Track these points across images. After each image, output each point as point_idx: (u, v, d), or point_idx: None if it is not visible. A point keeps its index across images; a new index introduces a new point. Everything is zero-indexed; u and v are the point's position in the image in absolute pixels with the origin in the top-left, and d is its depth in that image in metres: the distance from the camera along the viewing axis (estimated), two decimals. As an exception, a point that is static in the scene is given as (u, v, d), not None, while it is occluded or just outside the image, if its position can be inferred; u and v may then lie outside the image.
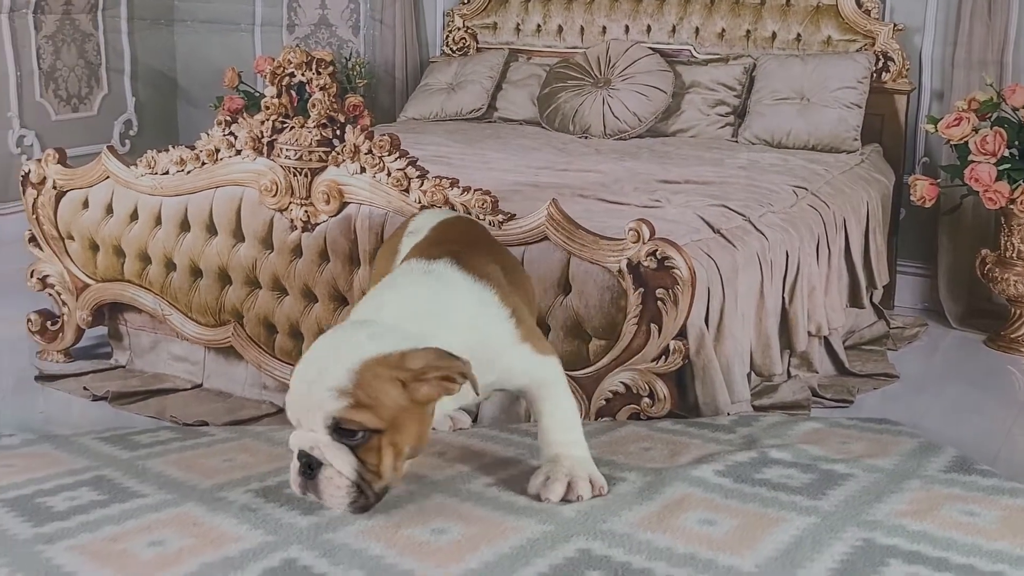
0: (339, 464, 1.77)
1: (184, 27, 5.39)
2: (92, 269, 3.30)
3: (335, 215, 2.87)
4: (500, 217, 2.65)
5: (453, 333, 1.87)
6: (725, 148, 3.95)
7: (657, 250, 2.48)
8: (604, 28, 4.58)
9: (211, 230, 3.08)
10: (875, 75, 4.07)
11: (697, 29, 4.43)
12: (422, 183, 2.75)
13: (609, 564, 1.70)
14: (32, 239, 3.39)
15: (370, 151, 2.80)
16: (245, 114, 3.04)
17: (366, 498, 1.80)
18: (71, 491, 2.07)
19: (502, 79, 4.62)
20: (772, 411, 2.78)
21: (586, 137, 4.19)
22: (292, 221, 2.92)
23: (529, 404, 2.06)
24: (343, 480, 1.78)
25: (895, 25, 4.13)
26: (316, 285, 2.91)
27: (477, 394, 1.85)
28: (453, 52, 4.89)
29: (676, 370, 2.50)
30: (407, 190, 2.77)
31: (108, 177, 3.24)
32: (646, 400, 2.50)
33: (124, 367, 3.33)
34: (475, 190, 2.69)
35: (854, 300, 3.56)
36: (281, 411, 2.28)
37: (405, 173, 2.78)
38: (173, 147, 3.15)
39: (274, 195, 2.93)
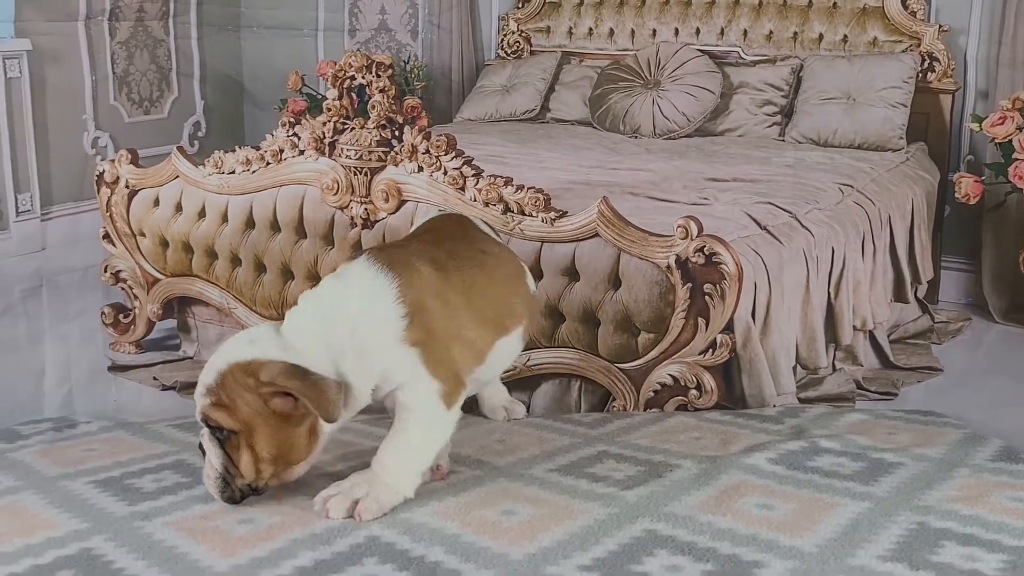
0: (210, 456, 1.86)
1: (250, 33, 5.42)
2: (162, 264, 3.34)
3: (393, 212, 2.89)
4: (552, 214, 2.66)
5: (333, 337, 1.85)
6: (772, 147, 3.92)
7: (705, 246, 2.48)
8: (654, 31, 4.56)
9: (275, 227, 3.10)
10: (920, 75, 4.03)
11: (745, 31, 4.40)
12: (477, 181, 2.76)
13: (675, 543, 1.73)
14: (106, 236, 3.44)
15: (427, 151, 2.82)
16: (308, 116, 3.07)
17: (232, 491, 1.86)
18: (155, 473, 2.11)
19: (555, 81, 4.62)
20: (817, 403, 2.77)
21: (636, 137, 4.18)
22: (352, 218, 2.94)
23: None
24: (212, 471, 1.86)
25: (940, 26, 4.08)
26: None
27: (329, 419, 1.81)
28: (507, 55, 4.89)
29: (723, 363, 2.50)
30: (463, 188, 2.78)
31: (177, 176, 3.28)
32: (693, 392, 2.50)
33: (192, 358, 3.37)
34: (528, 188, 2.70)
35: (899, 295, 3.52)
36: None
37: (461, 172, 2.79)
38: (239, 148, 3.18)
39: (335, 193, 2.95)
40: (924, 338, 3.62)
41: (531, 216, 2.68)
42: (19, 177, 4.33)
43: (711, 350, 2.48)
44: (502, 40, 4.93)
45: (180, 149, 3.33)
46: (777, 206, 3.02)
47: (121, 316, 3.44)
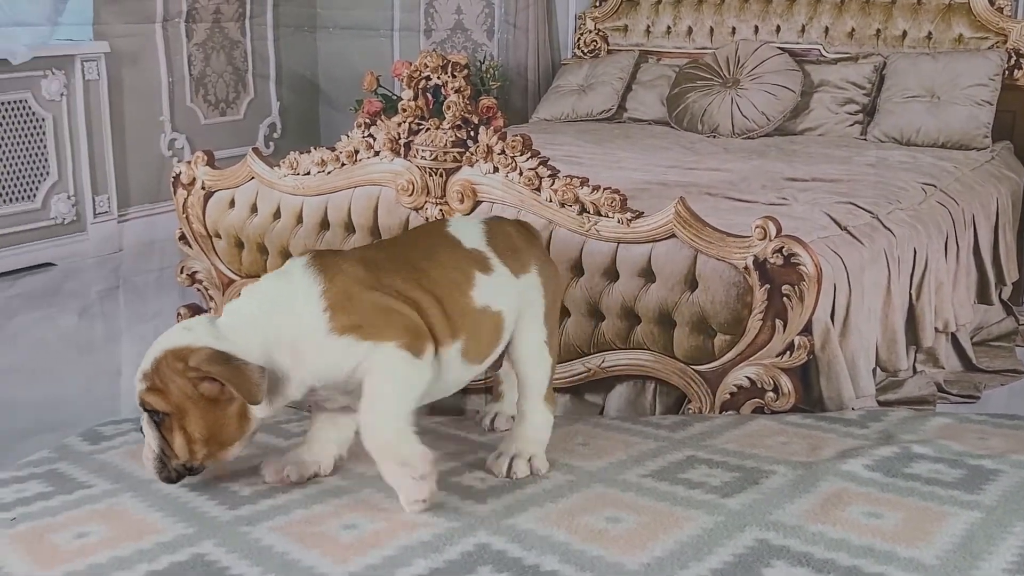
0: (148, 438, 2.01)
1: (326, 33, 5.50)
2: (237, 265, 3.41)
3: (468, 213, 2.92)
4: (628, 215, 2.68)
5: (267, 330, 1.98)
6: (853, 146, 3.92)
7: (784, 247, 2.49)
8: (733, 29, 4.58)
9: (349, 228, 3.15)
10: (1007, 72, 4.00)
11: (827, 28, 4.40)
12: (553, 182, 2.78)
13: (790, 554, 1.74)
14: (182, 237, 3.50)
15: (503, 151, 2.84)
16: (383, 116, 3.10)
17: (168, 471, 2.01)
18: (246, 476, 2.15)
19: (632, 80, 4.65)
20: (898, 406, 2.77)
21: (714, 136, 4.20)
22: (427, 219, 2.98)
23: None
24: (150, 452, 2.01)
25: (1028, 22, 4.05)
26: None
27: (252, 401, 1.94)
28: (584, 54, 4.93)
29: (801, 365, 2.51)
30: (538, 189, 2.80)
31: (253, 178, 3.33)
32: (770, 394, 2.52)
33: (267, 359, 3.44)
34: (604, 188, 2.72)
35: (983, 296, 3.51)
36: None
37: (536, 172, 2.81)
38: (314, 149, 3.22)
39: (410, 194, 3.00)
40: (1008, 340, 3.60)
41: (607, 217, 2.70)
42: (97, 179, 4.45)
43: (789, 352, 2.50)
44: (579, 39, 4.97)
45: (255, 150, 3.38)
46: (858, 206, 3.02)
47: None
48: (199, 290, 3.50)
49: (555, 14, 5.10)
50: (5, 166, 4.17)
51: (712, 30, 4.63)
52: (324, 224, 3.21)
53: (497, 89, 4.95)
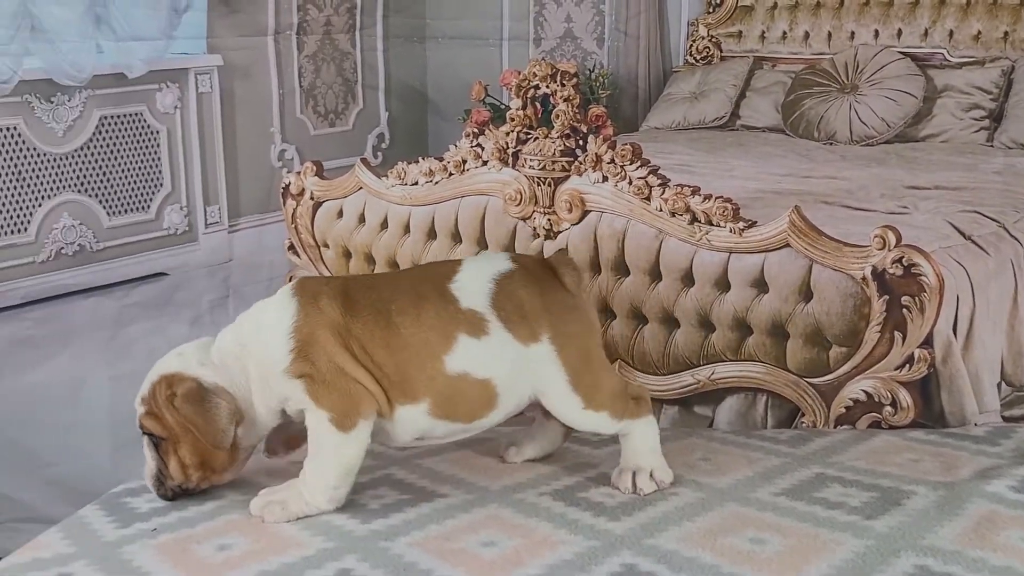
0: (148, 458, 2.08)
1: (435, 43, 5.55)
2: (345, 275, 3.46)
3: (577, 223, 2.92)
4: (741, 224, 2.65)
5: (245, 360, 2.06)
6: (979, 153, 3.84)
7: (903, 257, 2.45)
8: (852, 33, 4.52)
9: (456, 238, 3.18)
10: None
11: (951, 32, 4.32)
12: (663, 191, 2.77)
13: None
14: (291, 247, 3.57)
15: (612, 160, 2.84)
16: (491, 126, 3.12)
17: (165, 490, 2.09)
18: (373, 490, 2.17)
19: (746, 87, 4.62)
20: (1024, 423, 2.71)
21: (831, 143, 4.15)
22: (535, 229, 3.00)
23: None
24: (149, 472, 2.09)
25: None
26: None
27: (215, 446, 2.04)
28: (696, 61, 4.91)
29: (921, 379, 2.46)
30: (648, 198, 2.79)
31: (361, 188, 3.38)
32: (888, 409, 2.47)
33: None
34: (716, 197, 2.70)
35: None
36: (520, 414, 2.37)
37: (646, 182, 2.80)
38: (422, 159, 3.25)
39: (518, 204, 3.01)
40: None
41: (719, 226, 2.68)
42: (208, 190, 4.55)
43: (908, 365, 2.45)
44: (691, 46, 4.95)
45: (364, 161, 3.43)
46: (983, 215, 2.96)
47: (306, 327, 3.57)
48: (308, 301, 3.57)
49: (667, 21, 5.09)
50: (121, 178, 4.29)
51: (830, 35, 4.58)
52: (431, 234, 3.24)
53: (607, 98, 4.96)
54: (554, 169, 2.94)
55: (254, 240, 4.58)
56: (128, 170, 4.32)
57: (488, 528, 1.96)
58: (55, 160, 4.08)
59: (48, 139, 4.04)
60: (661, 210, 2.76)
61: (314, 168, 3.51)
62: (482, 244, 3.12)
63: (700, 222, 2.71)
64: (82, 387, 3.82)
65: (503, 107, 4.96)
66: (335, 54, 5.12)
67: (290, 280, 3.55)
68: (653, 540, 1.88)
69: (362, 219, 3.41)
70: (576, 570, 1.79)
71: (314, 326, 2.04)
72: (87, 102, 4.15)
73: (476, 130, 3.14)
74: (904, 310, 2.44)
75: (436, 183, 3.20)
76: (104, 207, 4.24)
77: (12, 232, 3.95)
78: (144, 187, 4.38)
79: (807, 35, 4.64)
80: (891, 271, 2.45)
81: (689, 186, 2.76)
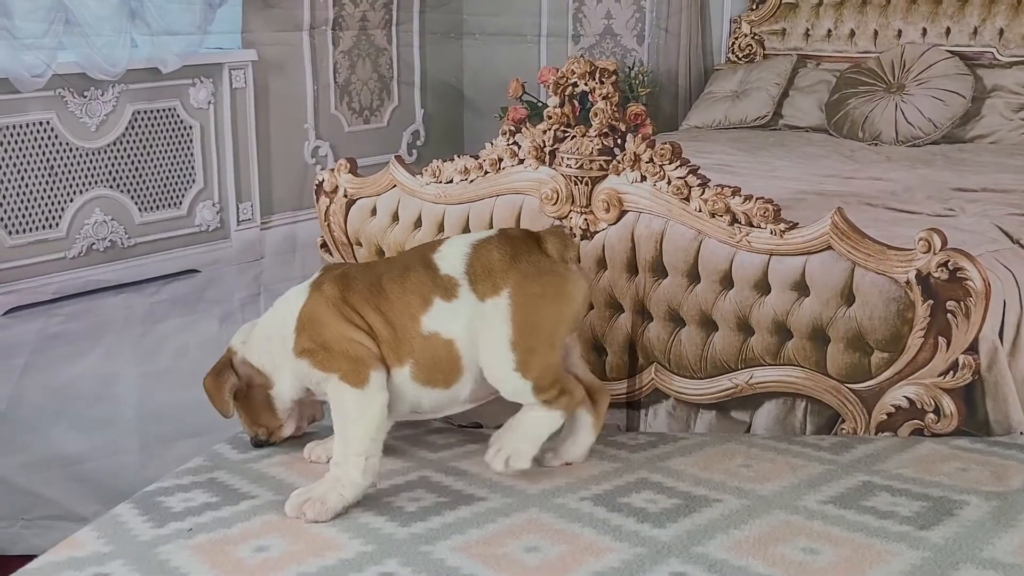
0: None
1: (472, 40, 5.55)
2: (379, 275, 3.48)
3: (614, 223, 2.93)
4: (782, 226, 2.65)
5: (264, 339, 2.40)
6: (1029, 154, 3.83)
7: (949, 260, 2.45)
8: (899, 31, 4.50)
9: (491, 238, 3.19)
10: None
11: (1001, 30, 4.29)
12: (703, 191, 2.77)
13: None
14: (323, 245, 3.56)
15: (651, 159, 2.84)
16: (528, 124, 3.12)
17: (255, 438, 2.51)
18: (409, 492, 2.21)
19: (789, 85, 4.61)
20: (1072, 432, 2.69)
21: (876, 144, 4.14)
22: (571, 229, 2.99)
23: None
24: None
25: None
26: (592, 293, 2.96)
27: (222, 415, 2.43)
28: (739, 59, 4.90)
29: (965, 385, 2.45)
30: (687, 199, 2.80)
31: (395, 186, 3.38)
32: (931, 416, 2.47)
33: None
34: (757, 198, 2.70)
35: None
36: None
37: (686, 182, 2.80)
38: (458, 157, 3.26)
39: (554, 203, 3.02)
40: None
41: (759, 228, 2.69)
42: (241, 186, 4.56)
43: (952, 371, 2.45)
44: (733, 43, 4.94)
45: (398, 158, 3.43)
46: (1033, 218, 2.95)
47: (338, 325, 3.59)
48: (341, 299, 3.58)
49: (709, 18, 5.08)
50: (153, 173, 4.30)
51: (876, 33, 4.56)
52: (466, 233, 3.24)
53: (646, 96, 4.95)
54: (591, 168, 2.95)
55: (286, 237, 4.59)
56: (160, 166, 4.33)
57: (530, 533, 1.97)
58: (87, 155, 4.09)
59: (81, 133, 4.05)
60: (700, 211, 2.76)
61: (348, 165, 3.52)
62: (517, 244, 3.13)
63: (740, 223, 2.71)
64: (112, 383, 3.85)
65: (540, 105, 4.96)
66: (371, 50, 5.12)
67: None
68: (701, 548, 1.88)
69: (396, 217, 3.41)
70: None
71: (314, 306, 2.30)
72: (120, 96, 4.16)
73: (513, 128, 3.15)
74: (949, 315, 2.44)
75: (471, 181, 3.20)
76: (136, 203, 4.25)
77: (44, 227, 3.96)
78: (176, 183, 4.39)
79: (853, 33, 4.62)
80: (936, 275, 2.45)
81: (729, 186, 2.76)
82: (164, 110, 4.36)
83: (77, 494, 3.70)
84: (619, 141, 2.92)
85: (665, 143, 2.86)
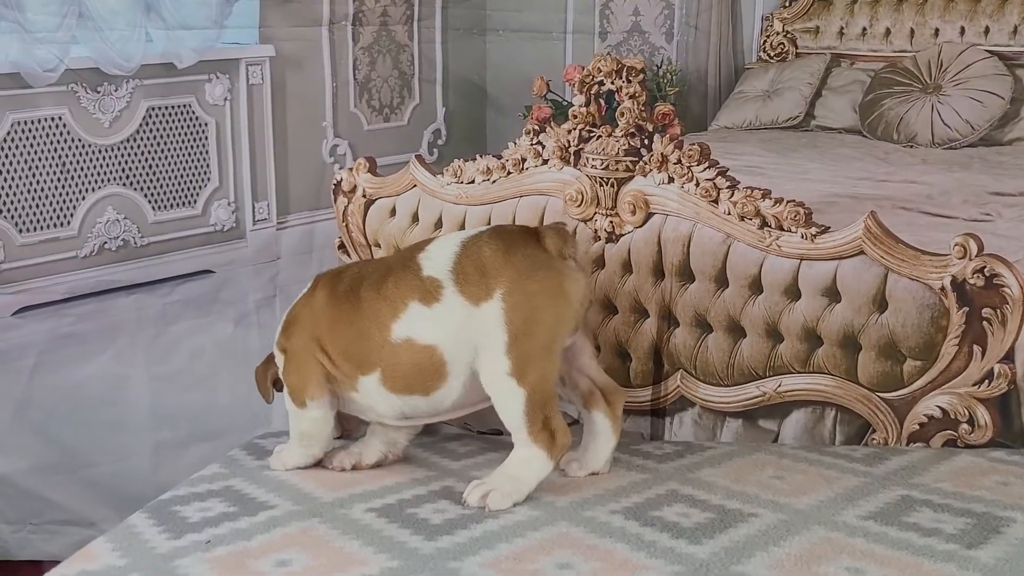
0: None
1: (496, 36, 5.55)
2: (398, 276, 3.49)
3: (640, 226, 2.94)
4: (813, 230, 2.67)
5: None
6: (1071, 158, 3.83)
7: (985, 267, 2.46)
8: (936, 30, 4.50)
9: (514, 239, 3.20)
10: None
11: (1042, 30, 4.30)
12: (732, 194, 2.79)
13: None
14: (341, 246, 3.60)
15: (678, 161, 2.86)
16: (553, 123, 3.15)
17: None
18: (432, 503, 2.21)
19: (822, 85, 4.61)
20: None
21: (911, 146, 4.14)
22: (596, 231, 3.01)
23: None
24: None
25: None
26: (617, 297, 2.99)
27: (264, 399, 2.60)
28: (770, 58, 4.91)
29: (1000, 395, 2.46)
30: (716, 201, 2.81)
31: (415, 186, 3.41)
32: (964, 426, 2.48)
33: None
34: (787, 201, 2.71)
35: None
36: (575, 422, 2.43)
37: (714, 183, 2.82)
38: (480, 156, 3.29)
39: (579, 205, 3.03)
40: None
41: (790, 231, 2.70)
42: (257, 185, 4.57)
43: (987, 381, 2.46)
44: (764, 42, 4.95)
45: (418, 157, 3.46)
46: (1072, 224, 2.96)
47: (355, 327, 3.61)
48: (358, 301, 3.60)
49: (740, 16, 5.08)
50: (168, 171, 4.31)
51: (913, 31, 4.56)
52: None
53: (675, 95, 4.95)
54: (617, 169, 2.96)
55: (303, 238, 4.60)
56: (175, 163, 4.34)
57: (561, 548, 1.96)
58: (100, 152, 4.11)
59: (94, 130, 4.07)
60: (729, 214, 2.78)
61: (367, 164, 3.54)
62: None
63: (770, 227, 2.73)
64: (123, 386, 3.86)
65: (565, 104, 4.96)
66: (391, 46, 5.13)
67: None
68: (741, 567, 1.87)
69: (415, 218, 3.43)
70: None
71: (302, 307, 2.43)
72: (134, 92, 4.18)
73: (537, 127, 3.17)
74: (984, 323, 2.45)
75: (494, 182, 3.22)
76: (149, 201, 4.27)
77: (55, 226, 3.98)
78: (191, 181, 4.40)
79: (888, 32, 4.63)
80: (972, 281, 2.46)
81: (759, 189, 2.77)
82: (179, 106, 4.37)
83: (86, 498, 3.70)
84: (646, 141, 2.93)
85: (693, 144, 2.87)
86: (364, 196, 3.53)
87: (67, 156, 4.00)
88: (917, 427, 2.54)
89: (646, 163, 2.92)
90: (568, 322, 2.27)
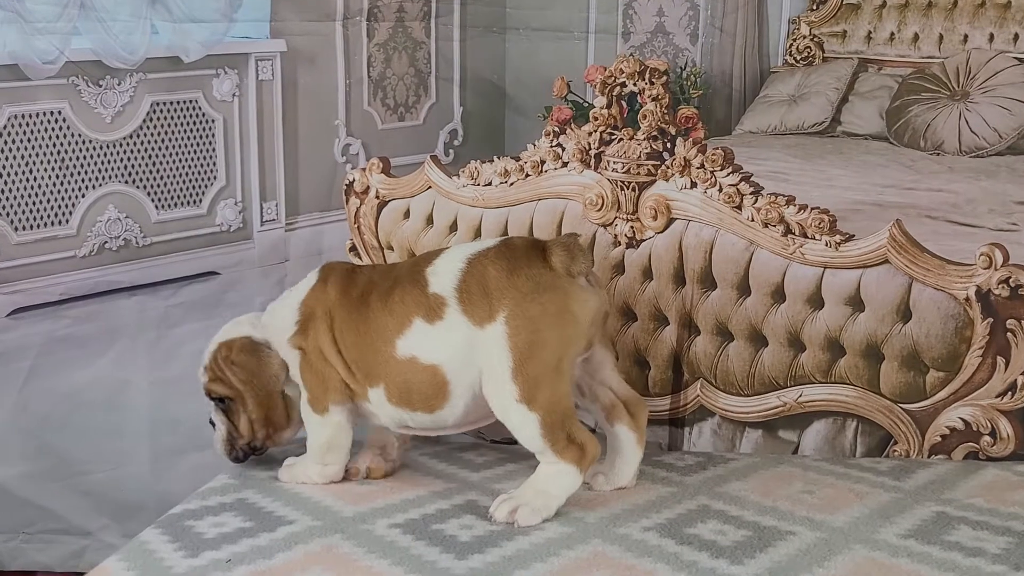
0: (217, 423, 2.55)
1: (516, 35, 5.55)
2: (411, 280, 3.54)
3: (661, 231, 3.00)
4: (838, 238, 2.74)
5: (274, 327, 2.52)
6: (1099, 169, 3.88)
7: (1011, 277, 2.54)
8: (965, 36, 4.55)
9: (531, 244, 3.26)
10: None
11: (1074, 38, 4.36)
12: (755, 200, 2.85)
13: None
14: (352, 248, 3.64)
15: (702, 165, 2.92)
16: (573, 125, 3.20)
17: (236, 451, 2.56)
18: (457, 518, 2.23)
19: (849, 91, 4.66)
20: None
21: (938, 154, 4.19)
22: (616, 237, 3.07)
23: None
24: (219, 438, 2.56)
25: None
26: (636, 304, 3.06)
27: (269, 389, 2.50)
28: (797, 62, 4.96)
29: (1023, 407, 2.55)
30: (739, 207, 2.88)
31: (430, 187, 3.46)
32: (986, 438, 2.54)
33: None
34: (812, 208, 2.78)
35: None
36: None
37: (738, 189, 2.88)
38: (497, 158, 3.33)
39: (599, 209, 3.09)
40: None
41: (814, 239, 2.77)
42: (265, 185, 4.60)
43: (1010, 393, 2.53)
44: (791, 45, 4.99)
45: (434, 158, 3.51)
46: (1100, 235, 3.02)
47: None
48: (369, 305, 3.64)
49: (766, 18, 5.11)
50: (172, 169, 4.32)
51: (941, 37, 4.61)
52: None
53: (698, 98, 4.98)
54: (639, 173, 3.00)
55: (312, 240, 4.62)
56: (180, 161, 4.34)
57: (600, 569, 1.98)
58: (102, 148, 4.10)
59: (95, 125, 4.07)
60: (753, 220, 2.84)
61: (380, 165, 3.57)
62: (559, 251, 3.19)
63: (794, 234, 2.79)
64: (123, 391, 3.87)
65: (586, 105, 4.98)
66: (407, 43, 5.16)
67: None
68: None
69: (430, 220, 3.47)
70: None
71: (316, 303, 2.46)
72: (138, 86, 4.19)
73: (556, 129, 3.22)
74: (1009, 334, 2.52)
75: (511, 184, 3.26)
76: (153, 200, 4.27)
77: (53, 224, 3.98)
78: (196, 180, 4.41)
79: (916, 37, 4.67)
80: (996, 292, 2.53)
81: (784, 195, 2.83)
82: (185, 102, 4.38)
83: (82, 507, 3.70)
84: (668, 145, 2.98)
85: (717, 148, 2.93)
86: (377, 197, 3.57)
87: (67, 152, 4.01)
88: (939, 439, 2.61)
89: (668, 167, 2.97)
90: (576, 342, 2.30)
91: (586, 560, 2.02)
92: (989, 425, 2.56)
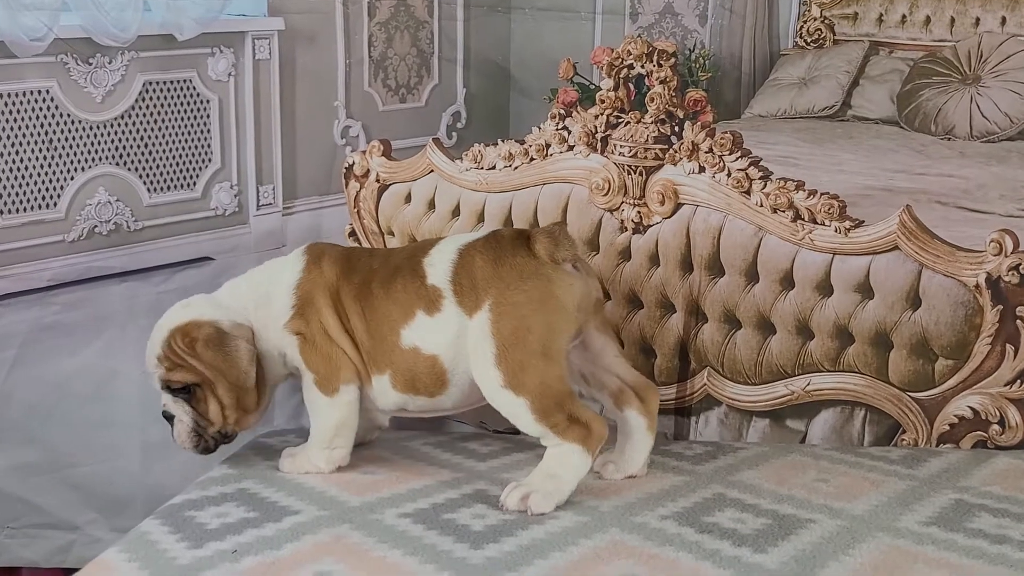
0: (180, 415, 2.51)
1: (521, 15, 5.55)
2: (412, 265, 3.60)
3: (669, 217, 3.05)
4: (847, 224, 2.80)
5: (244, 311, 2.56)
6: (1112, 154, 3.93)
7: (1020, 264, 2.61)
8: (977, 19, 4.59)
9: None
10: None
11: (1089, 21, 4.40)
12: (764, 185, 2.91)
13: None
14: (352, 233, 3.72)
15: (710, 149, 2.97)
16: (579, 107, 3.25)
17: (205, 441, 2.54)
18: (468, 507, 2.26)
19: (859, 74, 4.70)
20: None
21: (949, 139, 4.23)
22: (623, 222, 3.12)
23: None
24: (184, 427, 2.52)
25: None
26: (643, 291, 3.11)
27: (240, 385, 2.48)
28: (807, 44, 5.01)
29: (1032, 396, 2.58)
30: (748, 192, 2.93)
31: (432, 171, 3.51)
32: (995, 427, 2.62)
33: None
34: (821, 194, 2.84)
35: None
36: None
37: (747, 174, 2.94)
38: (502, 141, 3.38)
39: (605, 194, 3.14)
40: None
41: (823, 225, 2.84)
42: (262, 167, 4.59)
43: (1019, 381, 2.61)
44: (801, 27, 5.03)
45: (436, 141, 3.57)
46: (1113, 222, 3.06)
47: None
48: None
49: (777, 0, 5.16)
50: (165, 151, 4.31)
51: (953, 20, 4.65)
52: (508, 224, 3.34)
53: (707, 81, 5.02)
54: (646, 157, 3.05)
55: (310, 224, 4.56)
56: (173, 142, 4.33)
57: (619, 558, 2.01)
58: (91, 128, 4.10)
59: (85, 105, 4.07)
60: (761, 205, 2.90)
61: (381, 147, 3.63)
62: (561, 237, 3.24)
63: (803, 220, 2.84)
64: (112, 381, 3.86)
65: (593, 87, 5.01)
66: (410, 22, 5.15)
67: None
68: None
69: (432, 205, 3.52)
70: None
71: (313, 286, 2.49)
72: (130, 65, 4.19)
73: (562, 112, 3.26)
74: (1018, 321, 2.60)
75: (516, 168, 3.30)
76: (145, 183, 4.27)
77: (40, 207, 3.97)
78: (191, 162, 4.41)
79: (928, 20, 4.71)
80: (1007, 279, 2.60)
81: (793, 180, 2.88)
82: (179, 81, 4.38)
83: (70, 501, 3.72)
84: (676, 129, 3.04)
85: (725, 132, 2.99)
86: (377, 181, 3.63)
87: (55, 132, 4.01)
88: (947, 428, 2.69)
89: (676, 151, 3.02)
90: (564, 327, 2.39)
91: (606, 549, 2.05)
92: (998, 413, 2.63)
